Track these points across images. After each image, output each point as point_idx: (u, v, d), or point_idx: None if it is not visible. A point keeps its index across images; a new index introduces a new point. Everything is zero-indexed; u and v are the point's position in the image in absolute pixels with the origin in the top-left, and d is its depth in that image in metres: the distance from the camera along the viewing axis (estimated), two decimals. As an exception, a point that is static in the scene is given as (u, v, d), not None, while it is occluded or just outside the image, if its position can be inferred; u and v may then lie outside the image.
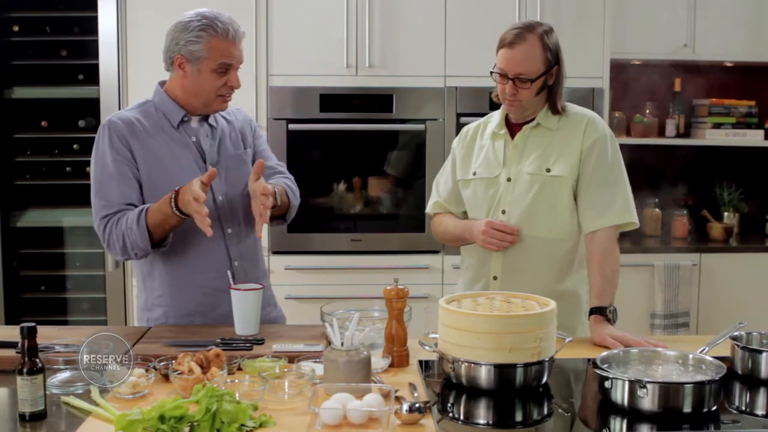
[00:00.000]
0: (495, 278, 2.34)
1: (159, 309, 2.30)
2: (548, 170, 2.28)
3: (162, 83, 2.32)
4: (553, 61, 2.26)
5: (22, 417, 1.58)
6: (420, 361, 1.94)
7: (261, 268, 2.44)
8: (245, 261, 2.33)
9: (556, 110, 2.31)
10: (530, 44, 2.22)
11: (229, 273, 2.22)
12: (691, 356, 1.78)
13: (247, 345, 2.00)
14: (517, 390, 1.74)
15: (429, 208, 2.55)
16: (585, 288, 2.36)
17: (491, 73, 2.29)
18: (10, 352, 1.87)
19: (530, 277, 2.28)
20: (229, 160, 2.33)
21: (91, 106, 3.74)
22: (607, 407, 1.65)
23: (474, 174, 2.39)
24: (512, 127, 2.37)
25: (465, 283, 2.45)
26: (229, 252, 2.29)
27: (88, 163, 2.32)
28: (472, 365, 1.73)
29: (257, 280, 2.29)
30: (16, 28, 3.89)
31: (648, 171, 4.16)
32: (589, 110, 2.38)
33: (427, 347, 1.87)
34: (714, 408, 1.62)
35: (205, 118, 2.33)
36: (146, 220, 2.13)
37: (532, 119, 2.33)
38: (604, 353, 1.78)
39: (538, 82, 2.24)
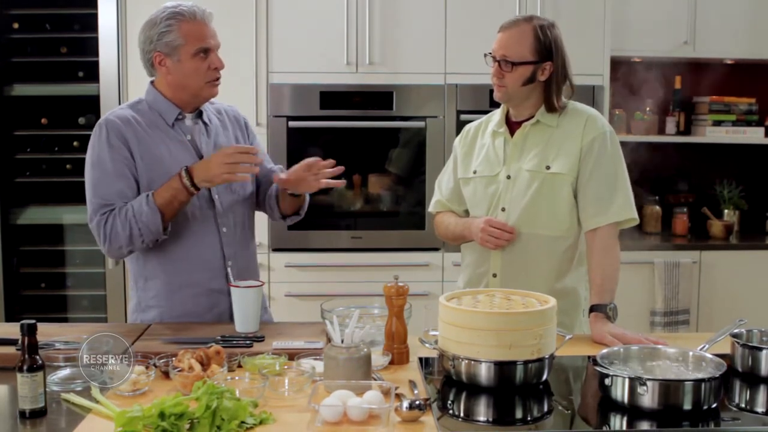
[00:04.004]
0: (495, 275, 2.34)
1: (153, 310, 2.28)
2: (548, 167, 2.28)
3: (153, 82, 2.31)
4: (546, 54, 2.26)
5: (22, 414, 1.59)
6: (420, 359, 1.95)
7: (254, 269, 2.44)
8: (239, 260, 2.32)
9: (551, 108, 2.30)
10: (522, 30, 2.26)
11: (228, 270, 2.22)
12: (691, 353, 1.78)
13: (247, 342, 2.00)
14: (517, 387, 1.74)
15: (431, 207, 2.56)
16: (584, 285, 2.36)
17: (485, 55, 2.31)
18: (11, 350, 1.88)
19: (530, 274, 2.28)
20: None
21: (91, 104, 3.74)
22: (607, 404, 1.65)
23: (474, 172, 2.39)
24: (512, 125, 2.37)
25: (465, 280, 2.45)
26: (224, 251, 2.29)
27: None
28: (472, 362, 1.73)
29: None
30: (16, 26, 3.88)
31: (648, 168, 4.15)
32: (589, 107, 2.38)
33: (427, 344, 1.87)
34: (714, 405, 1.62)
35: (198, 115, 2.33)
36: (155, 201, 2.13)
37: (532, 116, 2.33)
38: (605, 350, 1.78)
39: (522, 69, 2.25)
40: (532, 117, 2.32)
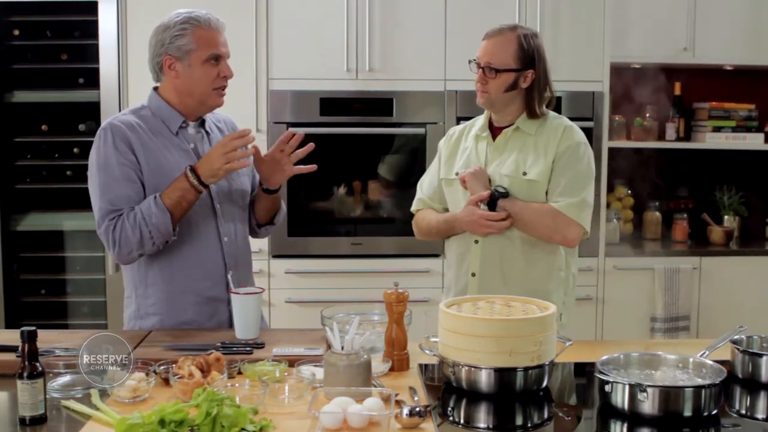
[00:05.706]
0: (473, 275, 2.39)
1: (153, 318, 2.27)
2: (524, 173, 2.33)
3: (156, 89, 2.31)
4: (528, 62, 2.31)
5: (22, 421, 1.59)
6: (420, 365, 1.95)
7: (252, 278, 2.45)
8: (239, 270, 2.32)
9: (532, 114, 2.36)
10: (506, 38, 2.33)
11: (229, 277, 2.22)
12: (691, 360, 1.78)
13: (248, 349, 2.00)
14: (517, 394, 1.74)
15: (414, 206, 2.60)
16: (562, 291, 2.40)
17: (470, 62, 2.37)
18: (11, 356, 1.88)
19: (506, 275, 2.35)
20: None
21: (92, 110, 3.74)
22: (608, 411, 1.65)
23: (457, 174, 2.43)
24: (495, 130, 2.42)
25: (449, 280, 2.53)
26: (225, 260, 2.29)
27: (88, 167, 2.29)
28: (473, 369, 1.73)
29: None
30: (16, 32, 3.88)
31: (648, 174, 4.15)
32: (568, 120, 2.42)
33: (427, 351, 1.88)
34: (714, 412, 1.63)
35: (201, 124, 2.33)
36: (163, 202, 2.13)
37: (513, 123, 2.37)
38: (605, 357, 1.78)
39: (504, 76, 2.30)
40: (513, 123, 2.37)
